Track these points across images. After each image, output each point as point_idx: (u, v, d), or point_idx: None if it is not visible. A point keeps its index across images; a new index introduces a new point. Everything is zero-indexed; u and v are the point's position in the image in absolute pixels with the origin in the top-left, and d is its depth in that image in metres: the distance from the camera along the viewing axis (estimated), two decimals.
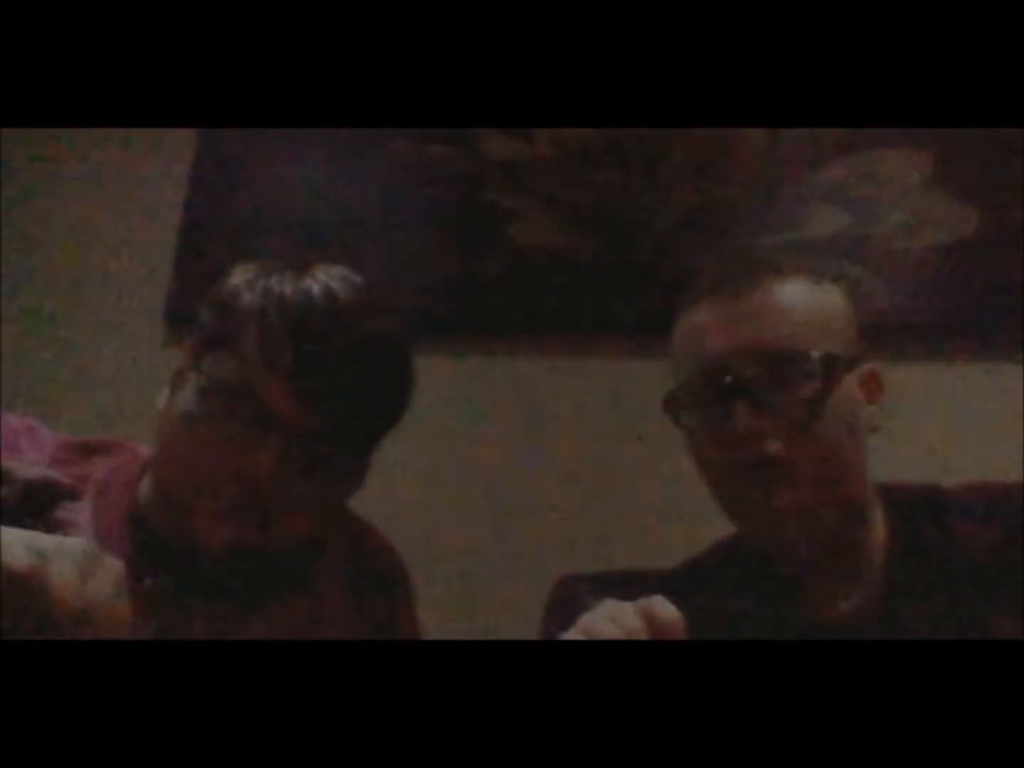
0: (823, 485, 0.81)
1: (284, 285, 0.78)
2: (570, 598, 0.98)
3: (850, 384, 0.84)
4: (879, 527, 0.86)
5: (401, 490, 1.42)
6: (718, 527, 0.95)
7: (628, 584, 0.96)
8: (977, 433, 1.35)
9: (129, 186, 1.76)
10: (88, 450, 0.87)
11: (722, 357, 0.83)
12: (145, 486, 0.84)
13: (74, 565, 0.58)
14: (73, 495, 0.81)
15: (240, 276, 0.81)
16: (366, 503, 0.92)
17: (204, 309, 0.82)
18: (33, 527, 0.77)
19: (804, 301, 0.86)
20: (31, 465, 0.81)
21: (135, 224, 1.74)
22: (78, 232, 1.76)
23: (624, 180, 1.57)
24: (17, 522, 0.77)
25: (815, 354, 0.82)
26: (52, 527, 0.78)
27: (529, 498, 1.46)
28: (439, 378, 1.50)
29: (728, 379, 0.81)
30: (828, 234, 1.48)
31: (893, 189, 1.49)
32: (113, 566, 0.61)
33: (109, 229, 1.75)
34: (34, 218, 1.77)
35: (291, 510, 0.78)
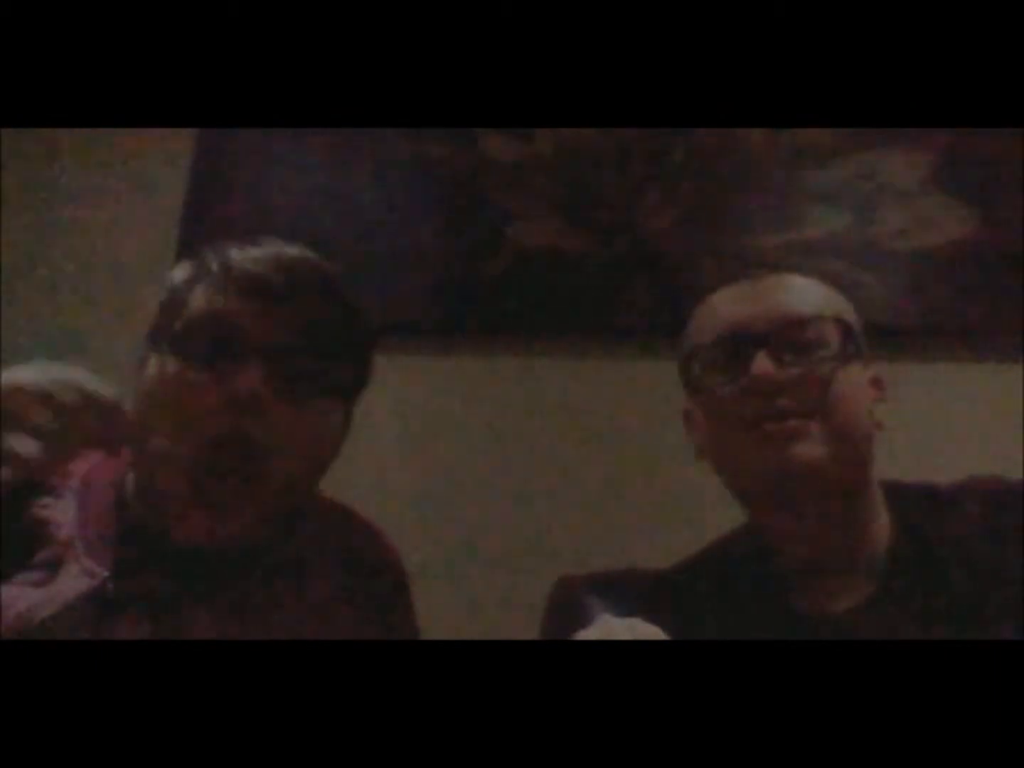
0: (833, 452, 0.81)
1: (218, 256, 0.82)
2: (570, 598, 0.98)
3: (861, 374, 0.86)
4: (881, 524, 0.86)
5: (400, 489, 1.42)
6: (718, 527, 0.95)
7: (628, 584, 0.97)
8: (977, 433, 1.35)
9: (129, 186, 1.76)
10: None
11: (741, 319, 0.85)
12: (131, 482, 0.84)
13: None
14: (54, 492, 0.81)
15: (176, 272, 0.85)
16: (366, 502, 0.92)
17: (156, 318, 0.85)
18: (12, 527, 0.77)
19: (818, 286, 0.89)
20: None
21: (135, 224, 1.74)
22: (78, 232, 1.75)
23: (624, 180, 1.57)
24: None
25: (829, 313, 0.85)
26: (32, 526, 0.78)
27: (529, 498, 1.46)
28: (438, 378, 1.50)
29: (748, 335, 0.83)
30: (828, 234, 1.48)
31: (893, 189, 1.49)
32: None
33: (109, 229, 1.75)
34: (34, 218, 1.77)
35: (281, 447, 0.77)
